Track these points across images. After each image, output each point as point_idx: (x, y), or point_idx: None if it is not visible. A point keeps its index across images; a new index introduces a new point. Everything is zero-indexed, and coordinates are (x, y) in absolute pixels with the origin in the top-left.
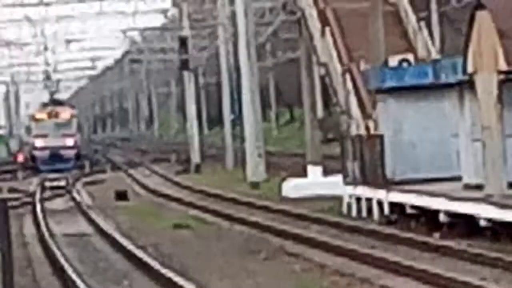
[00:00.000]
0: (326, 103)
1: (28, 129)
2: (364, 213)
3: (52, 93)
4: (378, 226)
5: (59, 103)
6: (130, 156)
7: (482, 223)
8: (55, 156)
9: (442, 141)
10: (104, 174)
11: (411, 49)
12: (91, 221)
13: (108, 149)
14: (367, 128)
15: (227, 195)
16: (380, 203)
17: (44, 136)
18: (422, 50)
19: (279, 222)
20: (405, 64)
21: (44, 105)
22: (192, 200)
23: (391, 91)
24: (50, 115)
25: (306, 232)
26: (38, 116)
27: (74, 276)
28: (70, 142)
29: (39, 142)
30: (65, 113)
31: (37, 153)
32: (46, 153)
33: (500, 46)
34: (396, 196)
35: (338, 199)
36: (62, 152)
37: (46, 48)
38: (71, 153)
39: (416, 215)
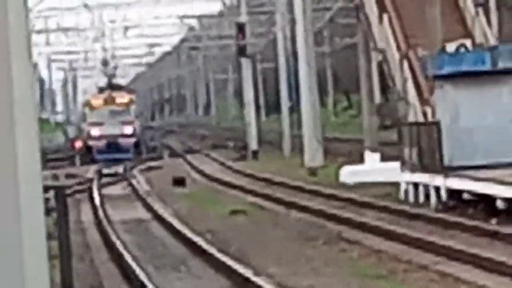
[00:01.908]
0: (384, 89)
1: (83, 117)
2: (421, 200)
3: (110, 77)
4: (435, 213)
5: (118, 87)
6: (188, 143)
7: None
8: (112, 145)
9: (500, 127)
10: (161, 161)
11: (469, 35)
12: (148, 208)
13: (166, 136)
14: (425, 114)
15: (285, 181)
16: (437, 189)
17: (100, 124)
18: (479, 36)
19: (337, 209)
20: (462, 50)
21: (101, 90)
22: (250, 186)
23: (449, 77)
24: (106, 101)
25: (363, 218)
26: (93, 102)
27: (131, 262)
28: (128, 130)
29: (94, 131)
30: (122, 99)
31: (92, 142)
32: (103, 142)
33: None
34: (454, 182)
35: (396, 185)
36: (120, 141)
37: (103, 35)
38: (130, 142)
39: (474, 201)
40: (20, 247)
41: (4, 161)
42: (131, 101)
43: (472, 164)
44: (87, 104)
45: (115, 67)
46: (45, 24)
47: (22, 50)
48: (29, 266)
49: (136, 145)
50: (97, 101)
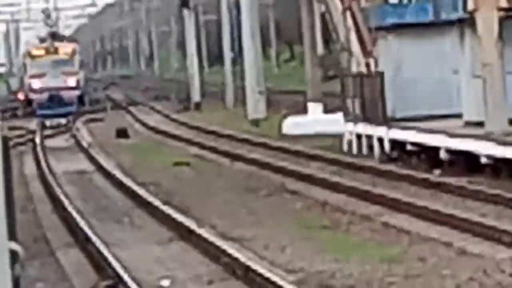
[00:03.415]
0: (327, 41)
1: (24, 68)
2: (364, 151)
3: (51, 27)
4: (378, 164)
5: (60, 37)
6: (131, 95)
7: (483, 160)
8: (55, 98)
9: (443, 78)
10: (104, 113)
11: None
12: (91, 159)
13: (108, 87)
14: (368, 66)
15: (227, 133)
16: (380, 140)
17: (41, 75)
18: None
19: (279, 160)
20: (405, 1)
21: (42, 40)
22: (192, 138)
23: (392, 28)
24: (48, 51)
25: (306, 169)
26: (34, 52)
27: (74, 214)
28: (72, 82)
29: (36, 83)
30: (65, 49)
31: (34, 95)
32: (45, 95)
33: None
34: (397, 133)
35: (339, 136)
36: (63, 93)
37: None
38: (73, 94)
39: (417, 152)
40: None
41: None
42: (74, 51)
43: (415, 115)
44: (28, 54)
45: (57, 18)
46: None
47: None
48: None
49: (80, 98)
50: (39, 51)
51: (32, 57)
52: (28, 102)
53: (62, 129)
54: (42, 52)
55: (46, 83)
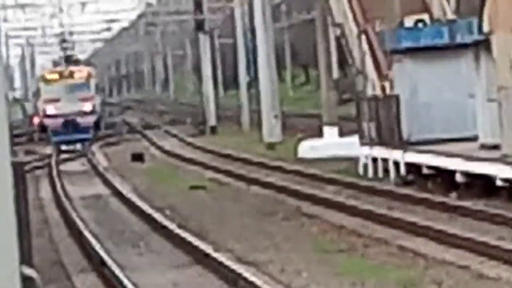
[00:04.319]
0: (342, 64)
1: (38, 93)
2: (380, 174)
3: (65, 49)
4: (394, 187)
5: (75, 61)
6: (146, 119)
7: (499, 183)
8: (70, 124)
9: (458, 101)
10: (120, 137)
11: (427, 9)
12: (107, 183)
13: (124, 112)
14: (383, 89)
15: (243, 157)
16: (396, 164)
17: (56, 100)
18: (437, 10)
19: (296, 183)
20: (420, 25)
21: (56, 63)
22: (208, 162)
23: (407, 51)
24: (63, 75)
25: (322, 193)
26: (48, 76)
27: (90, 238)
28: (87, 107)
29: (50, 109)
30: (81, 72)
31: (48, 121)
32: (59, 121)
33: None
34: (413, 157)
35: (354, 160)
36: (79, 119)
37: (61, 10)
38: (90, 120)
39: (433, 175)
40: None
41: None
42: (90, 75)
43: (431, 138)
44: (42, 78)
45: (73, 43)
46: (2, 0)
47: None
48: None
49: (96, 124)
50: (53, 75)
51: (46, 81)
52: (42, 128)
53: (77, 154)
54: (56, 76)
55: (60, 109)
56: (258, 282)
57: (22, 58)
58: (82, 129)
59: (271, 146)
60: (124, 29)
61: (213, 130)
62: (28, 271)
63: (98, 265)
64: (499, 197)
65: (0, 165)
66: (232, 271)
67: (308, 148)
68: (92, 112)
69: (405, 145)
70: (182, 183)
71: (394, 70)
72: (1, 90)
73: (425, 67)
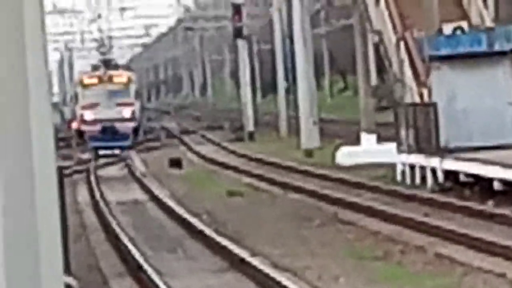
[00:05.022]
0: (380, 71)
1: (76, 98)
2: (417, 181)
3: (103, 54)
4: (432, 194)
5: (114, 65)
6: (184, 124)
7: None
8: (108, 131)
9: (496, 108)
10: (158, 142)
11: (465, 16)
12: (145, 189)
13: (162, 117)
14: (421, 96)
15: (281, 163)
16: (434, 171)
17: (94, 106)
18: (476, 17)
19: (333, 190)
20: (459, 32)
21: (94, 67)
22: (246, 167)
23: (445, 59)
24: (102, 80)
25: (359, 199)
26: (86, 81)
27: (127, 243)
28: (127, 113)
29: (88, 114)
30: (120, 77)
31: (85, 127)
32: (97, 127)
33: None
34: (450, 164)
35: (392, 167)
36: (117, 125)
37: (100, 16)
38: (129, 126)
39: (470, 183)
40: (35, 227)
41: (19, 142)
42: (130, 80)
43: (468, 146)
44: (80, 83)
45: (111, 47)
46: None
47: (36, 39)
48: (42, 247)
49: (135, 130)
50: (91, 80)
51: (84, 86)
52: (80, 134)
53: (116, 159)
54: (95, 80)
55: (99, 114)
56: None
57: (61, 63)
58: (121, 136)
59: (309, 152)
60: (163, 34)
61: (251, 136)
62: (67, 279)
63: (135, 270)
64: None
65: (46, 171)
66: (270, 277)
67: (345, 155)
68: (131, 119)
69: (442, 152)
70: (219, 188)
71: (432, 78)
72: (46, 95)
73: (463, 75)
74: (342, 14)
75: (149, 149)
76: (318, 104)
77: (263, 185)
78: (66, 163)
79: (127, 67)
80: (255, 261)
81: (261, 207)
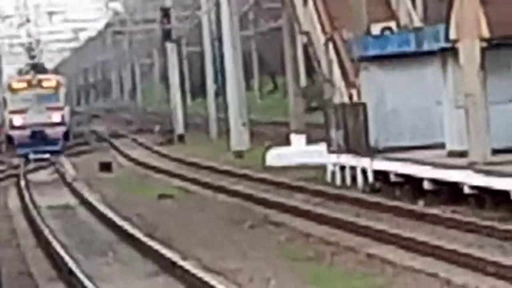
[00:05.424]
0: (309, 72)
1: (4, 103)
2: (348, 182)
3: (32, 58)
4: (362, 194)
5: (42, 69)
6: (114, 127)
7: (466, 190)
8: (38, 136)
9: (425, 108)
10: (88, 146)
11: (394, 17)
12: (75, 193)
13: (92, 121)
14: (350, 97)
15: (210, 164)
16: (364, 171)
17: (23, 111)
18: (404, 17)
19: (263, 191)
20: (387, 32)
21: (21, 71)
22: (176, 170)
23: (374, 59)
24: (31, 84)
25: (290, 201)
26: (15, 85)
27: (59, 248)
28: (57, 117)
29: (16, 120)
30: (49, 81)
31: (14, 133)
32: (26, 132)
33: (482, 13)
34: (380, 164)
35: (322, 167)
36: (47, 130)
37: (28, 20)
38: (58, 131)
39: (401, 183)
40: None
41: None
42: (59, 84)
43: (398, 145)
44: (8, 88)
45: (40, 51)
46: None
47: None
48: None
49: (66, 135)
50: (20, 84)
51: (13, 90)
52: (9, 139)
53: (46, 163)
54: (24, 85)
55: (28, 119)
56: None
57: None
58: (51, 141)
59: (239, 154)
60: (92, 38)
61: (181, 138)
62: None
63: (66, 274)
64: (466, 204)
65: None
66: (201, 280)
67: (275, 156)
68: (61, 123)
69: (372, 152)
70: (151, 192)
71: (361, 78)
72: None
73: (392, 75)
74: (271, 16)
75: (79, 153)
76: (248, 106)
77: (194, 188)
78: None
79: (55, 71)
80: (186, 265)
81: (192, 210)
